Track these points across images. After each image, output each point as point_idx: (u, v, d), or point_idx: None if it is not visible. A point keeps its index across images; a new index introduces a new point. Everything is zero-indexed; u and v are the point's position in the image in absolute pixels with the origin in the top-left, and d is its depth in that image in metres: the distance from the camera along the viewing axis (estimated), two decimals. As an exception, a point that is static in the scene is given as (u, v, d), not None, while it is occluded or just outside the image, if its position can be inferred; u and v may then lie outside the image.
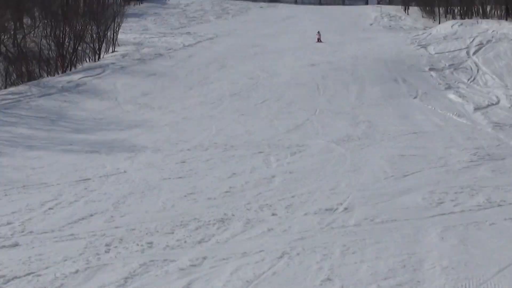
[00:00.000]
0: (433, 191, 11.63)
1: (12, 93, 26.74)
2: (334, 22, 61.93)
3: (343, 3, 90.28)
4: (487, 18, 55.68)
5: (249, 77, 31.24)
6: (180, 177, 13.60)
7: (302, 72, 32.13)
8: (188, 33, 50.58)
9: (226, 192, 12.11)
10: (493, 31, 42.19)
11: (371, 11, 72.09)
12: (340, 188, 12.26)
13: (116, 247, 8.71)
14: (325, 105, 24.73)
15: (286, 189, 12.22)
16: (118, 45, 40.93)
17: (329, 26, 56.41)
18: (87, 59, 37.36)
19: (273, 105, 25.05)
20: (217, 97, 27.01)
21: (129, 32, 48.01)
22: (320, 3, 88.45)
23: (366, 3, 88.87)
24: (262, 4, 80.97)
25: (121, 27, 42.73)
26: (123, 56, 37.33)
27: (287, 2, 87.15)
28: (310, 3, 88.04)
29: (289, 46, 42.52)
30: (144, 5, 72.19)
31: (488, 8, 59.63)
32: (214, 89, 28.69)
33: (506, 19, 53.11)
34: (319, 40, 44.98)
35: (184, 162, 15.23)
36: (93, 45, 38.03)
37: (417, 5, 73.34)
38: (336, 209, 10.71)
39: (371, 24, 61.33)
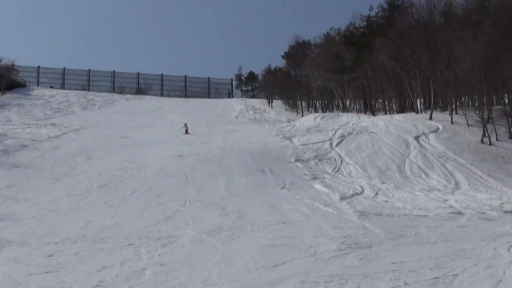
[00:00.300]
0: (304, 281, 11.74)
1: None
2: (200, 114, 62.95)
3: (209, 96, 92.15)
4: (347, 111, 58.60)
5: (117, 169, 30.99)
6: (47, 272, 13.12)
7: (170, 163, 32.26)
8: (54, 124, 49.79)
9: (96, 286, 11.80)
10: (353, 124, 44.50)
11: (236, 104, 73.85)
12: (211, 279, 12.22)
13: None
14: (195, 196, 24.80)
15: (158, 282, 12.04)
16: (-20, 137, 39.59)
17: (196, 118, 57.38)
18: None
19: (142, 196, 24.83)
20: (84, 188, 26.50)
21: (-9, 123, 46.66)
22: (186, 96, 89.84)
23: (231, 97, 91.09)
24: (128, 96, 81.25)
25: (-18, 118, 41.43)
26: (-15, 148, 36.11)
27: (153, 94, 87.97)
28: (176, 96, 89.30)
29: (157, 137, 42.79)
30: (7, 95, 70.41)
31: (348, 102, 62.76)
32: (82, 181, 28.17)
33: (365, 113, 56.13)
34: (186, 132, 45.60)
35: (51, 255, 14.72)
36: (-48, 136, 36.61)
37: (280, 98, 76.14)
38: (209, 300, 10.68)
39: (236, 117, 62.76)
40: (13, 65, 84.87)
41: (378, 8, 59.76)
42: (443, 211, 22.40)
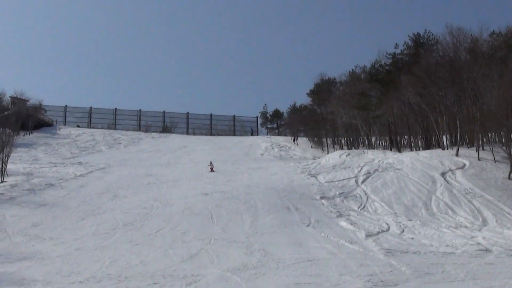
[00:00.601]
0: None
1: None
2: (226, 152, 63.14)
3: (234, 134, 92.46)
4: (373, 148, 58.35)
5: (142, 207, 31.10)
6: (72, 311, 13.20)
7: (196, 201, 32.30)
8: (80, 163, 50.31)
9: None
10: (379, 160, 44.26)
11: (262, 141, 73.96)
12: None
13: None
14: (220, 234, 24.78)
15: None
16: (7, 175, 40.01)
17: (221, 156, 57.55)
18: (-26, 190, 36.24)
19: (167, 235, 24.86)
20: (110, 227, 26.59)
21: (18, 162, 47.21)
22: (211, 134, 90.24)
23: (255, 134, 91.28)
24: (153, 134, 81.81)
25: (10, 157, 41.87)
26: (12, 186, 36.54)
27: (179, 133, 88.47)
28: (201, 134, 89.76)
29: (183, 175, 42.95)
30: (34, 135, 71.41)
31: (373, 139, 62.54)
32: (107, 219, 28.28)
33: (391, 149, 55.88)
34: (211, 169, 45.72)
35: (76, 294, 14.82)
36: (-18, 176, 37.11)
37: (306, 136, 76.09)
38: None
39: (262, 154, 62.76)
40: (40, 104, 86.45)
41: (403, 45, 59.72)
42: (470, 248, 22.16)
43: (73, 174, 42.59)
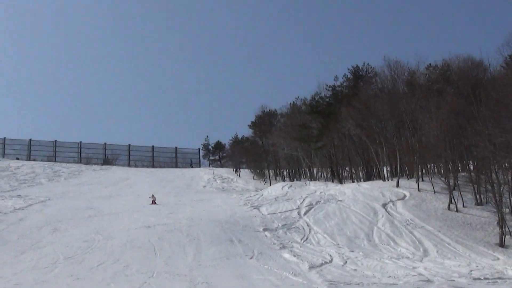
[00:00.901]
0: None
1: None
2: (168, 184, 62.87)
3: (176, 166, 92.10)
4: (314, 180, 58.92)
5: (83, 240, 30.56)
6: None
7: (138, 234, 31.93)
8: (19, 196, 49.27)
9: None
10: (321, 192, 44.79)
11: (204, 173, 73.89)
12: None
13: None
14: (163, 267, 24.54)
15: None
16: None
17: (163, 188, 57.28)
18: None
19: (109, 268, 24.47)
20: (50, 261, 26.01)
21: (-46, 195, 46.02)
22: (153, 166, 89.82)
23: (194, 166, 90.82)
24: (94, 166, 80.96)
25: None
26: None
27: (120, 165, 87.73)
28: (143, 166, 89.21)
29: (124, 208, 42.52)
30: (-30, 167, 69.60)
31: (315, 171, 63.14)
32: (47, 253, 27.67)
33: (332, 181, 56.57)
34: (154, 202, 45.42)
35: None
36: None
37: (248, 167, 76.29)
38: None
39: (204, 186, 62.75)
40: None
41: (342, 77, 60.71)
42: (412, 279, 22.54)
43: (12, 207, 41.59)
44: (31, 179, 64.18)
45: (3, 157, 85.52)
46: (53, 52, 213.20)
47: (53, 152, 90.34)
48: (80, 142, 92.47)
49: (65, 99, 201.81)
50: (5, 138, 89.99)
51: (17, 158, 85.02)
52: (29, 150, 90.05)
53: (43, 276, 23.11)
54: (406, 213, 36.92)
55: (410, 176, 48.50)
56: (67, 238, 31.35)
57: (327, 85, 61.28)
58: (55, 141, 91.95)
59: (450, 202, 37.82)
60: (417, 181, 43.48)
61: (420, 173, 45.29)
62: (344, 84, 60.40)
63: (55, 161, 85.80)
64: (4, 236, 32.01)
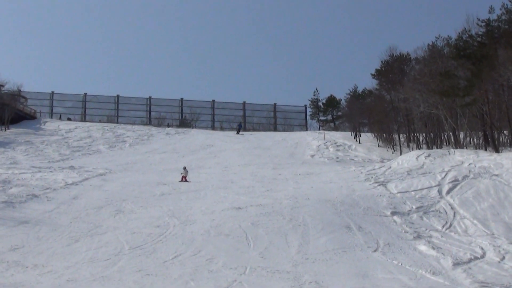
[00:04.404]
0: None
1: None
2: (264, 153, 63.06)
3: (275, 129, 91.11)
4: (461, 147, 57.66)
5: (155, 225, 31.12)
6: None
7: (225, 218, 32.26)
8: (72, 167, 50.60)
9: None
10: (469, 164, 43.77)
11: (312, 138, 73.85)
12: None
13: None
14: (258, 262, 24.74)
15: None
16: (-23, 184, 40.49)
17: (258, 158, 57.55)
18: None
19: (188, 262, 24.85)
20: (112, 252, 26.61)
21: (-9, 166, 47.68)
22: (245, 128, 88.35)
23: (238, 133, 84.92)
24: (168, 129, 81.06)
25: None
26: (-16, 198, 36.87)
27: (201, 127, 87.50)
28: (232, 128, 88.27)
29: (207, 184, 42.99)
30: (11, 130, 71.97)
31: (462, 135, 61.76)
32: (109, 242, 28.31)
33: (485, 149, 55.03)
34: (184, 178, 45.45)
35: None
36: None
37: (371, 131, 75.57)
38: None
39: (312, 156, 62.68)
40: (19, 91, 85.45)
41: (500, 9, 59.11)
42: None
43: (63, 182, 42.74)
44: (87, 146, 65.86)
45: (51, 117, 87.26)
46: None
47: (114, 111, 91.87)
48: (150, 97, 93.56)
49: (129, 43, 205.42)
50: (53, 92, 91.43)
51: (69, 119, 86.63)
52: (84, 108, 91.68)
53: (102, 271, 23.68)
54: None
55: None
56: (133, 223, 31.98)
57: (479, 20, 59.84)
58: (117, 96, 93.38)
59: None
60: None
61: None
62: (503, 18, 58.77)
63: (117, 122, 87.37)
64: (53, 219, 32.90)
